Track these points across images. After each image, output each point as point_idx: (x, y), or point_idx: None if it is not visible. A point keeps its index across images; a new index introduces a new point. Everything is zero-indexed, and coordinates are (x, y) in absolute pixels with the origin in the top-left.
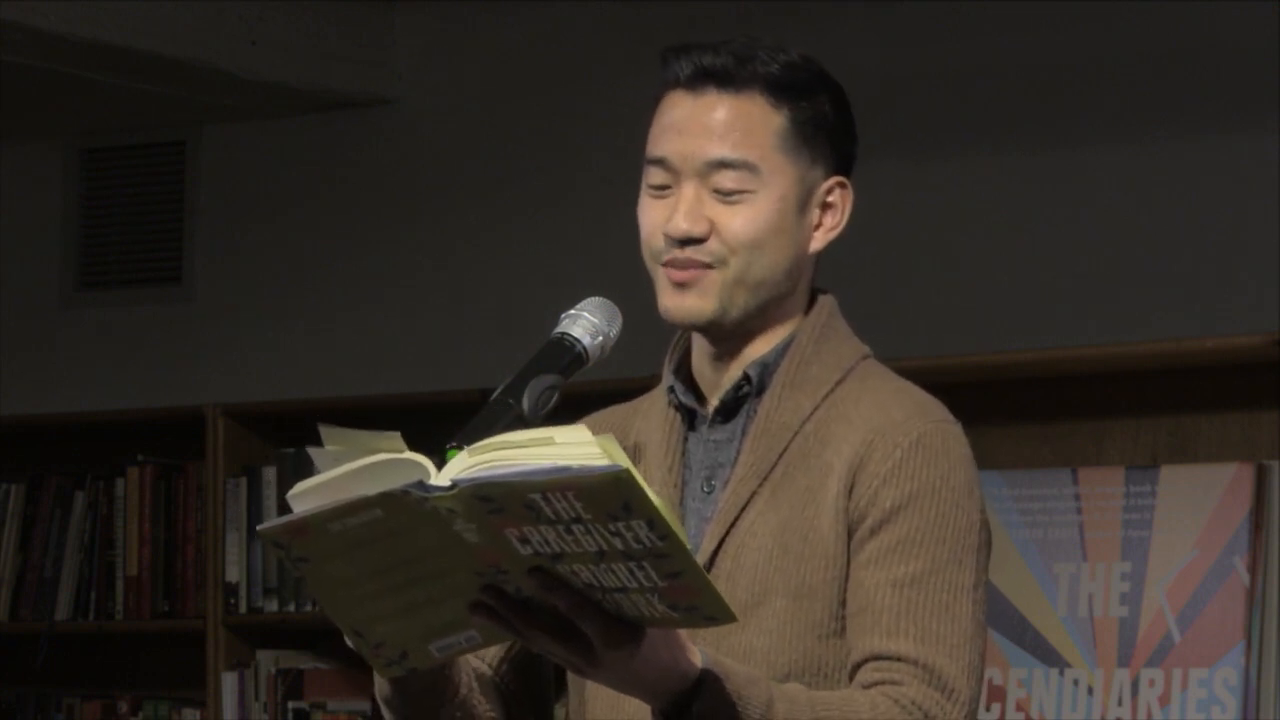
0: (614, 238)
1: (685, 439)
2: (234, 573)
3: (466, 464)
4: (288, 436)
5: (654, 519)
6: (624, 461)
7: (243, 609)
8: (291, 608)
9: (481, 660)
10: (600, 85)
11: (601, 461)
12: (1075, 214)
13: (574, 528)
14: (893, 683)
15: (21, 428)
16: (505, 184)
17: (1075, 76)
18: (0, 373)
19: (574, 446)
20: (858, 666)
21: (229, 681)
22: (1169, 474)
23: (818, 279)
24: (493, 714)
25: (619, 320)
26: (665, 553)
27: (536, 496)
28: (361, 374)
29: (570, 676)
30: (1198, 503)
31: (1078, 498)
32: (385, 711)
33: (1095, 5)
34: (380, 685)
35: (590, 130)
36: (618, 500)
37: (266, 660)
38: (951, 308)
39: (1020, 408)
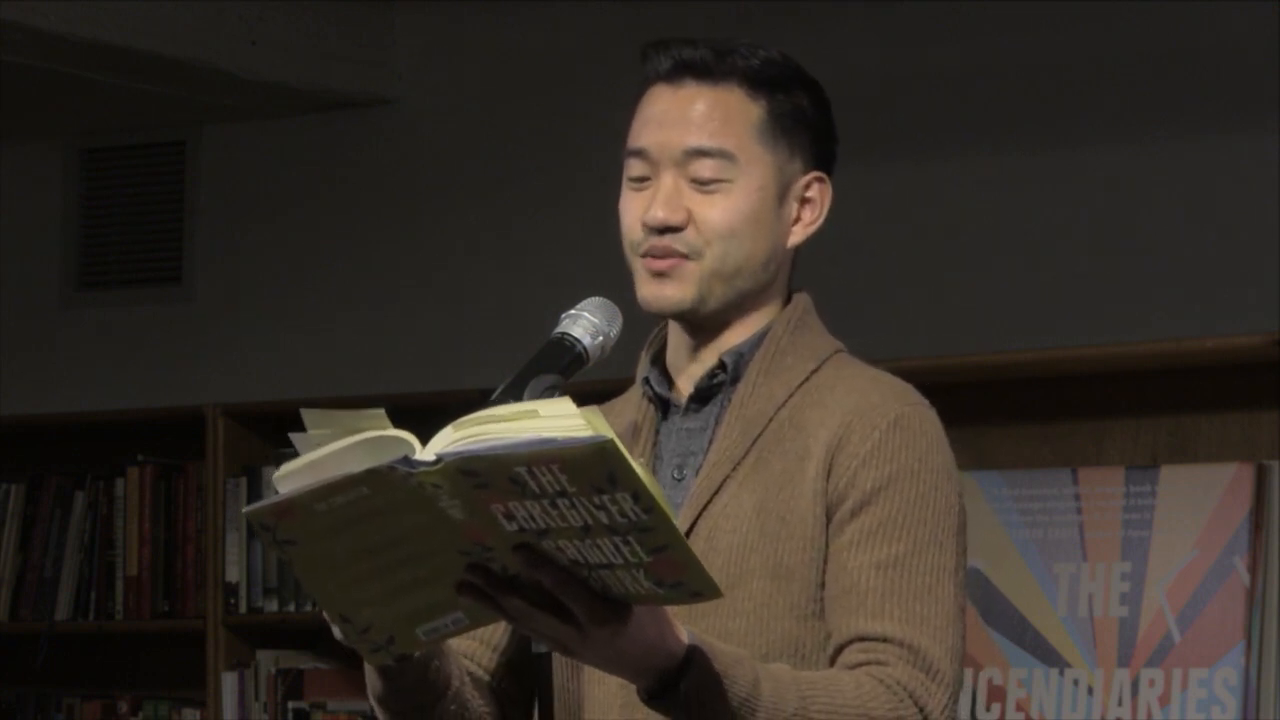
0: (614, 238)
1: (657, 429)
2: (234, 573)
3: (451, 438)
4: (287, 436)
5: (639, 491)
6: (608, 433)
7: (243, 609)
8: (291, 608)
9: (477, 664)
10: (600, 85)
11: (586, 433)
12: (1075, 214)
13: (559, 502)
14: (878, 663)
15: (21, 428)
16: (505, 184)
17: (1075, 76)
18: (0, 373)
19: (558, 419)
20: (841, 648)
21: (229, 681)
22: (1169, 474)
23: (809, 278)
24: (487, 709)
25: (619, 320)
26: (650, 526)
27: (521, 470)
28: (361, 374)
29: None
30: (1198, 503)
31: (1078, 498)
32: (379, 710)
33: (1095, 5)
34: (373, 683)
35: (590, 130)
36: (602, 472)
37: (266, 660)
38: (951, 308)
39: (1020, 408)
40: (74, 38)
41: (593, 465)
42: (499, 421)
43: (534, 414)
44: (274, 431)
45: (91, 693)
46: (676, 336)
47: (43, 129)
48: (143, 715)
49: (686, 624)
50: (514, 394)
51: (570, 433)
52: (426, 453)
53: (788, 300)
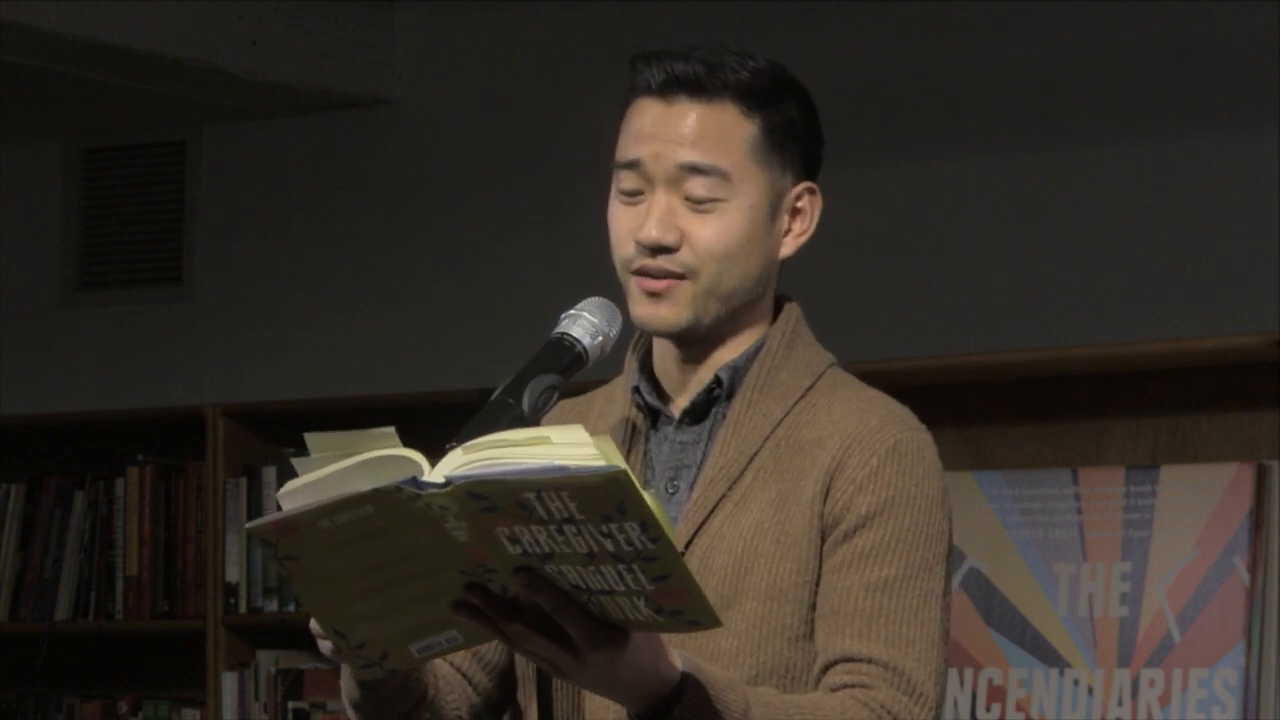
0: None
1: (647, 439)
2: (234, 573)
3: (461, 461)
4: (288, 436)
5: (647, 521)
6: (621, 463)
7: (243, 609)
8: (291, 608)
9: (455, 667)
10: (600, 85)
11: (599, 462)
12: (1076, 214)
13: (565, 528)
14: (861, 686)
15: (21, 428)
16: (505, 184)
17: (1075, 77)
18: (0, 373)
19: (571, 447)
20: (826, 668)
21: (229, 681)
22: (1169, 474)
23: (808, 279)
24: (459, 713)
25: (619, 320)
26: (655, 555)
27: (531, 495)
28: (361, 374)
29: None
30: (1198, 503)
31: (1078, 498)
32: (353, 716)
33: (1096, 5)
34: (349, 690)
35: (590, 130)
36: (612, 501)
37: (266, 660)
38: (951, 308)
39: (1020, 408)
40: (74, 38)
41: (604, 494)
42: (511, 446)
43: (546, 440)
44: (274, 431)
45: (91, 693)
46: (664, 347)
47: (43, 129)
48: (143, 715)
49: (676, 644)
50: (514, 394)
51: (583, 461)
52: (435, 474)
53: (777, 309)
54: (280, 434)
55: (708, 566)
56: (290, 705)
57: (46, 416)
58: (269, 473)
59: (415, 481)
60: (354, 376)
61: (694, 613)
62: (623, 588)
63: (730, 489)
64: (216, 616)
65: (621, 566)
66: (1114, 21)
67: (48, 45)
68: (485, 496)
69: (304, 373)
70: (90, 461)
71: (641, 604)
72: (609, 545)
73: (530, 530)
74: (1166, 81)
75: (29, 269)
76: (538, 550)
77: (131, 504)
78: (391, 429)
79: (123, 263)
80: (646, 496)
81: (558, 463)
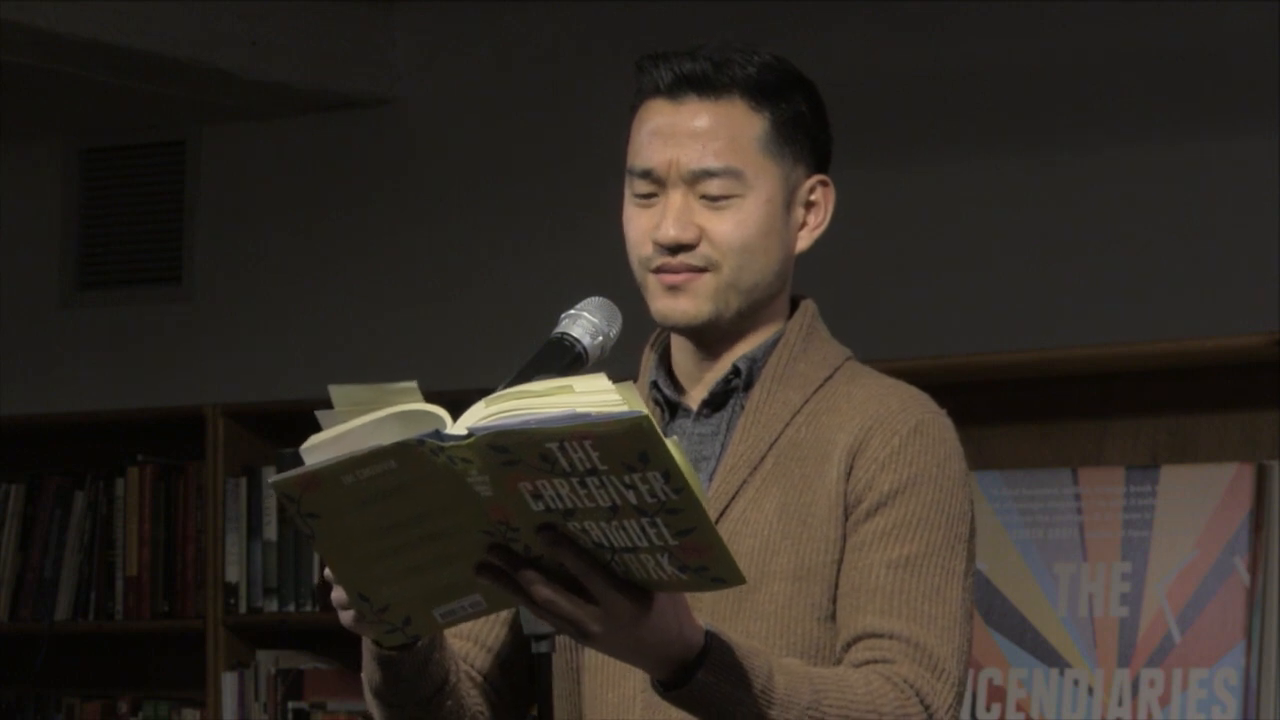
0: (614, 237)
1: (664, 433)
2: (234, 573)
3: (483, 413)
4: (288, 436)
5: (670, 469)
6: (643, 409)
7: (243, 609)
8: (291, 608)
9: (469, 664)
10: (600, 85)
11: (621, 408)
12: (1076, 214)
13: (588, 480)
14: (884, 661)
15: (21, 428)
16: (505, 184)
17: (1076, 77)
18: (0, 373)
19: (593, 394)
20: (849, 645)
21: (229, 681)
22: (1169, 474)
23: (809, 278)
24: (481, 709)
25: (619, 320)
26: (678, 507)
27: (553, 446)
28: (361, 374)
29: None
30: (1198, 503)
31: (1078, 498)
32: (375, 704)
33: (1095, 6)
34: (370, 674)
35: (591, 130)
36: (635, 449)
37: (266, 660)
38: (951, 308)
39: (1020, 408)
40: (74, 38)
41: (626, 442)
42: (533, 397)
43: (569, 389)
44: (274, 431)
45: (91, 693)
46: (682, 344)
47: (43, 129)
48: (143, 715)
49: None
50: None
51: (605, 408)
52: (458, 427)
53: (793, 305)
54: (280, 434)
55: (734, 551)
56: (290, 705)
57: (46, 416)
58: (269, 473)
59: (438, 434)
60: (354, 376)
61: (718, 569)
62: (645, 544)
63: (751, 474)
64: (216, 616)
65: (645, 520)
66: (1114, 23)
67: (48, 45)
68: (507, 449)
69: (304, 373)
70: (90, 461)
71: (665, 561)
72: (631, 497)
73: (553, 484)
74: (1167, 82)
75: (29, 269)
76: (560, 506)
77: (131, 504)
78: (414, 383)
79: (123, 263)
80: (669, 445)
81: (580, 410)
